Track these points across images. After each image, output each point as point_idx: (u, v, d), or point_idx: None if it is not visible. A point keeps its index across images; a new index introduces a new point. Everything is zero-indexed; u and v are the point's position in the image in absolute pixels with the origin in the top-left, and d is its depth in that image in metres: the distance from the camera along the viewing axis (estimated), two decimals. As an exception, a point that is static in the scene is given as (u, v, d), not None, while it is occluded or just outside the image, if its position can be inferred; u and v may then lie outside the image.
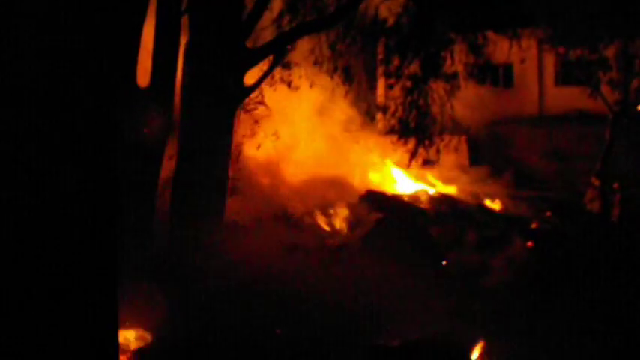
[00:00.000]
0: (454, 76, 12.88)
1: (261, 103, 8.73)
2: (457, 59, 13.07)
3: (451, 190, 17.58)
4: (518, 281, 11.60)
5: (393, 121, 13.07)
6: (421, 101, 12.74)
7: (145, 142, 8.25)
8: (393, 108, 12.89)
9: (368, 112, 13.24)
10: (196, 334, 7.42)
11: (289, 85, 13.92)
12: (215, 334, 7.42)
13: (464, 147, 20.14)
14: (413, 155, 13.08)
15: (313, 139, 14.48)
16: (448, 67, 13.06)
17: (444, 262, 11.77)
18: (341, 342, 6.50)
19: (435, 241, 12.16)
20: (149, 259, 8.20)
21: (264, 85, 10.90)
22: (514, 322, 8.96)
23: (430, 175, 17.60)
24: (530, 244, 14.96)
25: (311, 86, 13.87)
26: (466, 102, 19.73)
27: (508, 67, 21.40)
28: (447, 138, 19.15)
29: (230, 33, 8.05)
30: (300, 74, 13.57)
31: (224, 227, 9.96)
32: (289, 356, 6.69)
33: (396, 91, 12.94)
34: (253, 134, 10.19)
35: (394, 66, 12.52)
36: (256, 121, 9.72)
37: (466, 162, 20.02)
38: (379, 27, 12.35)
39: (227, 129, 8.40)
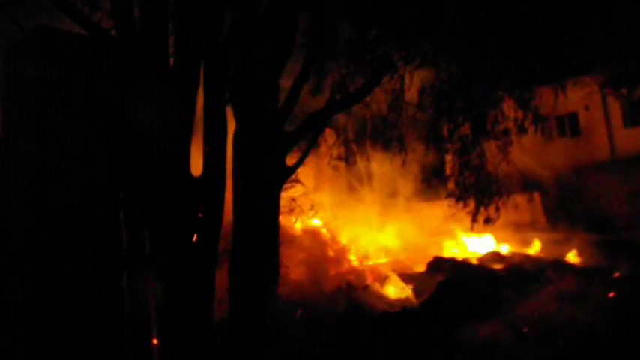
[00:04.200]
0: (505, 132, 13.25)
1: (297, 181, 9.47)
2: (508, 116, 13.45)
3: (527, 248, 17.63)
4: (599, 332, 11.51)
5: (451, 185, 13.51)
6: (475, 162, 13.15)
7: (201, 224, 9.12)
8: (448, 172, 13.36)
9: (424, 178, 13.75)
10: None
11: (347, 161, 14.79)
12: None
13: (537, 203, 20.21)
14: (474, 217, 13.39)
15: (372, 211, 15.10)
16: (501, 124, 13.46)
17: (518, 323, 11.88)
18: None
19: (505, 299, 12.32)
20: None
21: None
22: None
23: (503, 236, 17.75)
24: (612, 294, 14.78)
25: (368, 160, 14.62)
26: (534, 157, 19.99)
27: (573, 116, 21.52)
28: (517, 196, 19.41)
29: (268, 120, 8.94)
30: (355, 150, 14.47)
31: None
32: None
33: (450, 154, 13.42)
34: (295, 210, 10.90)
35: (444, 130, 13.07)
36: (293, 199, 10.43)
37: (541, 218, 20.01)
38: (425, 95, 12.99)
39: (274, 209, 9.18)
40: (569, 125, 21.86)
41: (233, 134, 9.38)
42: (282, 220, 12.25)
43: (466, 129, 13.33)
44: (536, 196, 20.07)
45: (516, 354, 10.39)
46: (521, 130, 13.21)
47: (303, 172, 13.59)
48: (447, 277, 12.87)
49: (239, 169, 9.22)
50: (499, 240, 17.77)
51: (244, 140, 9.07)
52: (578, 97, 19.80)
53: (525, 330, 12.39)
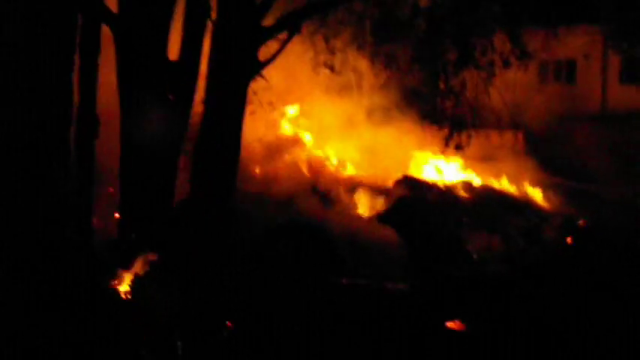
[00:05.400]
0: (491, 64, 13.51)
1: (261, 76, 9.87)
2: (497, 49, 13.66)
3: (500, 183, 18.11)
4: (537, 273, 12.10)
5: (429, 108, 13.93)
6: (456, 88, 13.50)
7: (172, 109, 9.59)
8: (428, 94, 13.73)
9: (406, 97, 14.12)
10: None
11: (332, 69, 15.11)
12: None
13: (521, 142, 20.61)
14: (446, 142, 13.83)
15: (351, 121, 15.59)
16: (489, 56, 13.69)
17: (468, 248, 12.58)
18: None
19: (458, 225, 12.96)
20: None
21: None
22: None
23: (479, 167, 18.20)
24: (569, 240, 15.39)
25: (353, 71, 14.96)
26: (526, 96, 20.25)
27: (571, 62, 21.63)
28: (503, 132, 19.80)
29: (247, 13, 9.31)
30: (343, 59, 14.83)
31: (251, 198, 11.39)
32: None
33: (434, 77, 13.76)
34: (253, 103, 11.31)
35: (430, 52, 13.36)
36: (255, 93, 10.77)
37: (523, 158, 20.41)
38: (416, 13, 13.24)
39: (243, 100, 9.68)
40: (566, 71, 21.98)
41: (213, 23, 9.73)
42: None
43: (453, 55, 13.63)
44: (520, 135, 20.46)
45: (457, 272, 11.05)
46: (506, 64, 13.48)
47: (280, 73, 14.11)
48: (406, 194, 13.45)
49: (214, 56, 9.65)
50: (475, 171, 18.24)
51: (221, 29, 9.44)
52: (579, 44, 19.88)
53: (474, 256, 13.08)
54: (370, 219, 12.95)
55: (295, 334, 6.85)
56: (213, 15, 9.59)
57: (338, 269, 8.79)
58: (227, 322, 7.18)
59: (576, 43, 20.06)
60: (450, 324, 8.38)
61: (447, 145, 13.91)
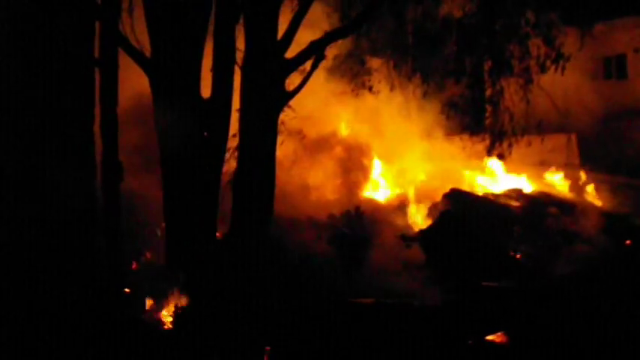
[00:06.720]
0: (526, 70, 13.58)
1: (289, 107, 10.32)
2: (533, 54, 13.71)
3: (554, 187, 17.98)
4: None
5: (469, 119, 14.07)
6: (495, 98, 13.61)
7: (208, 145, 10.12)
8: (465, 106, 13.85)
9: (443, 111, 14.27)
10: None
11: (370, 89, 15.43)
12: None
13: (574, 145, 20.37)
14: (489, 152, 13.95)
15: (396, 138, 15.89)
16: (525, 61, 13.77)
17: (511, 253, 12.63)
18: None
19: (509, 235, 13.05)
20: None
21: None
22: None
23: (533, 173, 18.13)
24: (628, 242, 15.19)
25: (392, 89, 15.29)
26: (576, 97, 20.03)
27: (621, 58, 21.27)
28: (555, 136, 19.61)
29: (270, 49, 9.79)
30: (380, 79, 15.18)
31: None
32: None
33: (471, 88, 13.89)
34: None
35: (465, 63, 13.54)
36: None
37: (577, 160, 20.20)
38: (447, 25, 13.49)
39: (274, 131, 10.12)
40: (616, 67, 21.63)
41: (243, 60, 10.24)
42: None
43: (488, 64, 13.79)
44: (574, 137, 20.25)
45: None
46: (543, 69, 13.52)
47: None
48: (449, 208, 13.60)
49: (244, 92, 10.13)
50: (529, 177, 18.18)
51: (248, 66, 9.95)
52: (628, 37, 19.62)
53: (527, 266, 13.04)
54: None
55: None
56: (239, 54, 10.09)
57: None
58: (266, 347, 7.57)
59: (624, 38, 19.81)
60: (491, 337, 8.51)
61: (489, 154, 14.04)
